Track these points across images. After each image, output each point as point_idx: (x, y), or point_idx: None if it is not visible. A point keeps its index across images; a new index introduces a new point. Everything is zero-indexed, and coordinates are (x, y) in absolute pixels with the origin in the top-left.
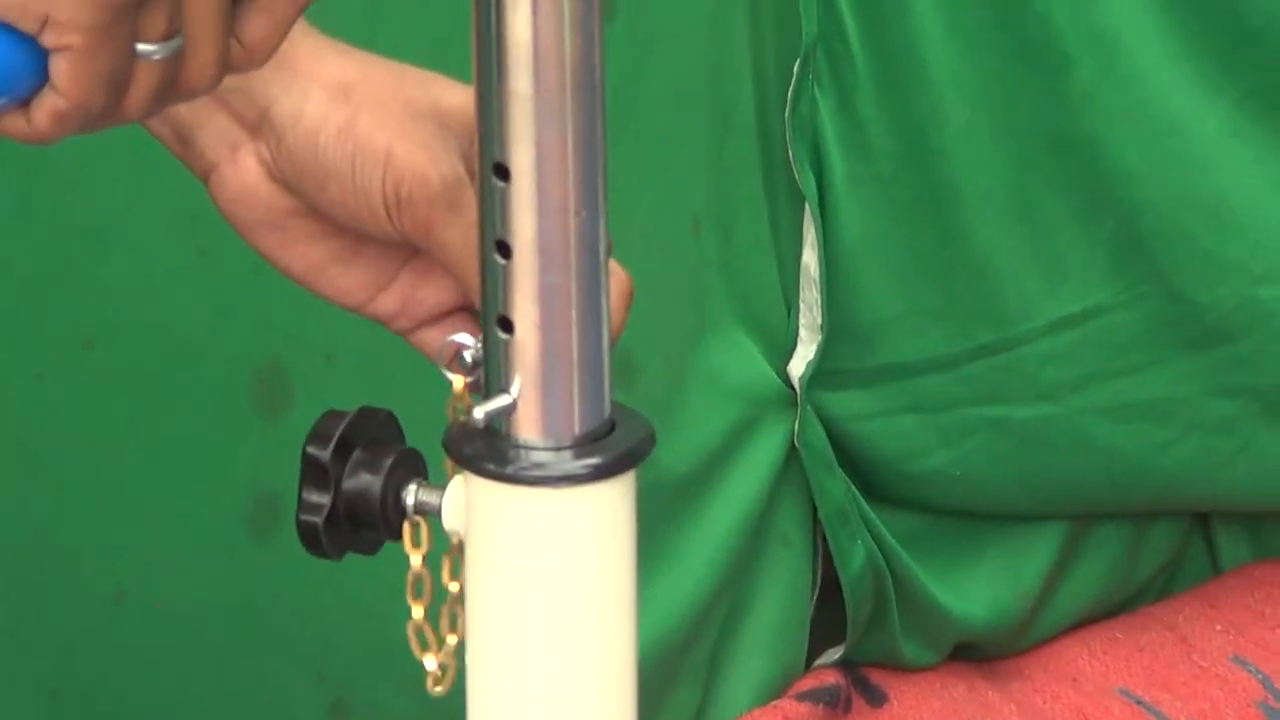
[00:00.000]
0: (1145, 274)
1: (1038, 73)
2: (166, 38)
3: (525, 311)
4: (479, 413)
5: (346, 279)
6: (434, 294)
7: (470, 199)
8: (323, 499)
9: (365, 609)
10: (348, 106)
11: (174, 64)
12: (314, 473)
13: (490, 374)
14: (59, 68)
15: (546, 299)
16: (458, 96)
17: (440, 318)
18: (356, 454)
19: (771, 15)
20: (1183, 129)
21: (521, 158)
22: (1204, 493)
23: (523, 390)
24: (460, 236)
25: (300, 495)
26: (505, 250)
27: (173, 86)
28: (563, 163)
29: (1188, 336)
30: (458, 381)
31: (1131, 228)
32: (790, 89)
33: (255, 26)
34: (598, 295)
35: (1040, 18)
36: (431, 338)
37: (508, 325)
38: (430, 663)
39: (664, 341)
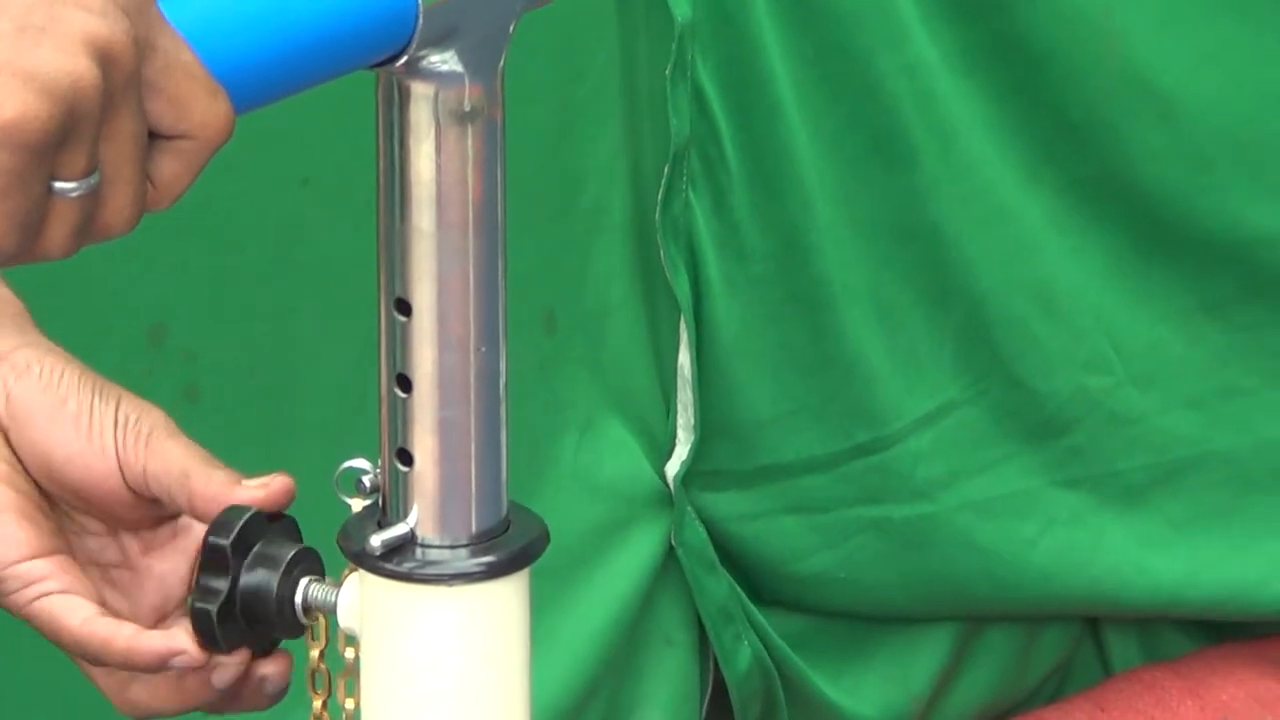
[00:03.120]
0: (989, 366)
1: (890, 168)
2: (85, 176)
3: (425, 444)
4: (375, 541)
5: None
6: (83, 581)
7: (189, 443)
8: (220, 585)
9: None
10: (88, 373)
11: (92, 202)
12: (214, 561)
13: (388, 503)
14: None
15: (445, 432)
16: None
17: (81, 596)
18: (256, 549)
19: (649, 117)
20: (1012, 218)
21: (423, 294)
22: (1079, 593)
23: (420, 514)
24: (182, 448)
25: (198, 582)
26: (406, 384)
27: (91, 225)
28: (464, 299)
29: (1029, 428)
30: (356, 505)
31: (976, 319)
32: (660, 191)
33: (168, 167)
34: (497, 429)
35: (889, 112)
36: (38, 609)
37: (407, 458)
38: None
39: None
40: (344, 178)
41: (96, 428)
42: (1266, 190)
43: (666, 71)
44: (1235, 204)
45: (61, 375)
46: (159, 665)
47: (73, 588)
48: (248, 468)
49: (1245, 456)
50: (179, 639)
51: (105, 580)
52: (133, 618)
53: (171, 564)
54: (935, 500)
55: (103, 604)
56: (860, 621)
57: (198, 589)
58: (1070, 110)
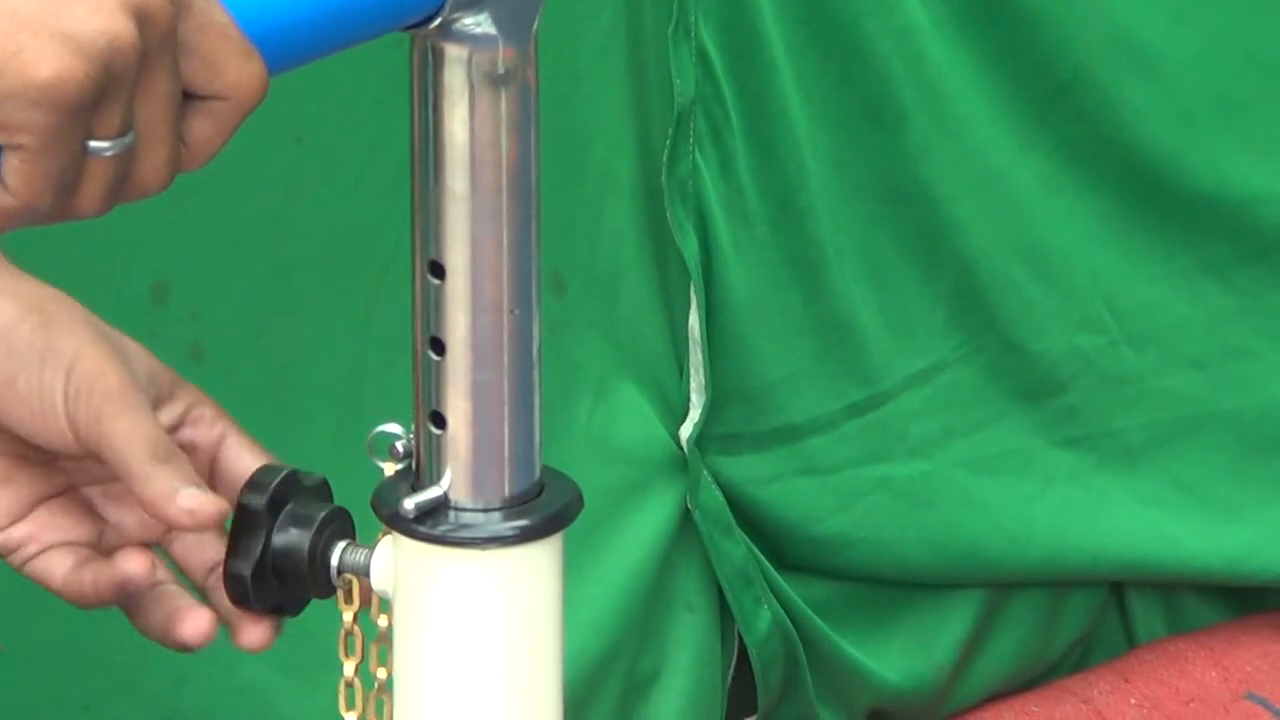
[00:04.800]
0: (982, 326)
1: (881, 130)
2: (120, 135)
3: (458, 407)
4: (409, 504)
5: None
6: (71, 525)
7: (145, 404)
8: (255, 546)
9: (213, 653)
10: (41, 315)
11: (126, 162)
12: (248, 522)
13: (422, 466)
14: (10, 166)
15: (479, 395)
16: (144, 356)
17: (63, 546)
18: (288, 508)
19: (655, 78)
20: (1003, 180)
21: (457, 256)
22: (1090, 553)
23: (454, 477)
24: (129, 425)
25: (231, 543)
26: (439, 347)
27: (124, 184)
28: (498, 262)
29: (1024, 388)
30: (388, 469)
31: (967, 280)
32: (665, 153)
33: (201, 128)
34: (530, 392)
35: (880, 74)
36: (29, 572)
37: (440, 420)
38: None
39: None
40: (336, 135)
41: (47, 402)
42: (1253, 149)
43: (669, 32)
44: (1224, 162)
45: (9, 346)
46: (119, 594)
47: (52, 541)
48: (254, 427)
49: (1253, 417)
50: (121, 564)
51: (108, 497)
52: (140, 527)
53: None
54: (931, 458)
55: (98, 533)
56: (885, 587)
57: (231, 551)
58: (1059, 71)
